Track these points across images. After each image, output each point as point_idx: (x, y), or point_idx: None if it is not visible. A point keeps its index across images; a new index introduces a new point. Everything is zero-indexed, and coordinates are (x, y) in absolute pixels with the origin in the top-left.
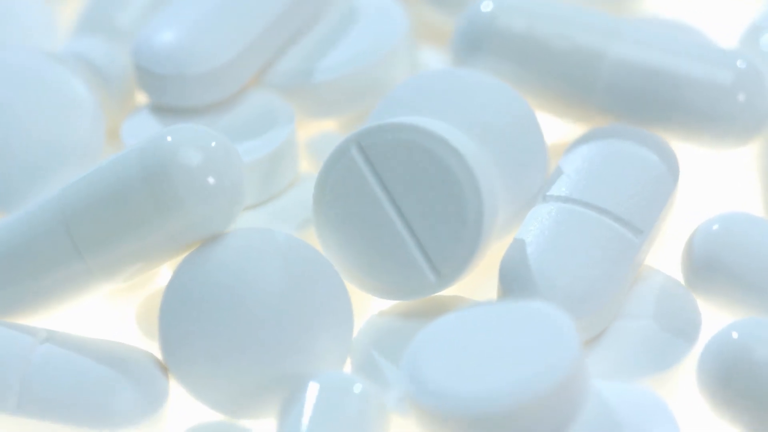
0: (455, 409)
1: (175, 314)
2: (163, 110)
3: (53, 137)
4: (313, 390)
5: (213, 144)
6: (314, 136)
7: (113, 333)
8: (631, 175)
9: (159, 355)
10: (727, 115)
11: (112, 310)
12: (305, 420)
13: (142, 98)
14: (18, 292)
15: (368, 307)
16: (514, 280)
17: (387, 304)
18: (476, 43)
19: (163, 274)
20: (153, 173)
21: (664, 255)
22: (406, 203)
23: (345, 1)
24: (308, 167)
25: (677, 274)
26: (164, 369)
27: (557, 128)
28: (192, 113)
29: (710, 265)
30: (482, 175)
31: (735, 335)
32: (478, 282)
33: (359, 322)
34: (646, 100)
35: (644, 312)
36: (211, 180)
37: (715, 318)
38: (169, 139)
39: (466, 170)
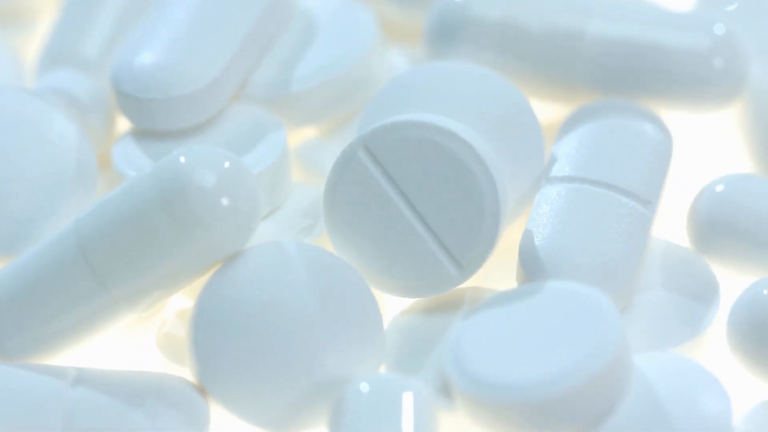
0: (507, 399)
1: (209, 336)
2: (150, 134)
3: (44, 175)
4: (364, 393)
5: (227, 164)
6: (299, 144)
7: (137, 362)
8: (630, 148)
9: (190, 378)
10: (706, 81)
11: (131, 338)
12: (364, 424)
13: (124, 123)
14: (42, 332)
15: (386, 308)
16: (536, 264)
17: (405, 302)
18: (451, 33)
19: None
20: (170, 196)
21: (665, 224)
22: (419, 200)
23: (311, 7)
24: (298, 176)
25: (680, 242)
26: (202, 392)
27: (543, 110)
28: (180, 134)
29: (717, 225)
30: (492, 164)
31: (766, 292)
32: (490, 270)
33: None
34: (628, 72)
35: (661, 283)
36: (226, 200)
37: (728, 280)
38: (182, 160)
39: (477, 160)
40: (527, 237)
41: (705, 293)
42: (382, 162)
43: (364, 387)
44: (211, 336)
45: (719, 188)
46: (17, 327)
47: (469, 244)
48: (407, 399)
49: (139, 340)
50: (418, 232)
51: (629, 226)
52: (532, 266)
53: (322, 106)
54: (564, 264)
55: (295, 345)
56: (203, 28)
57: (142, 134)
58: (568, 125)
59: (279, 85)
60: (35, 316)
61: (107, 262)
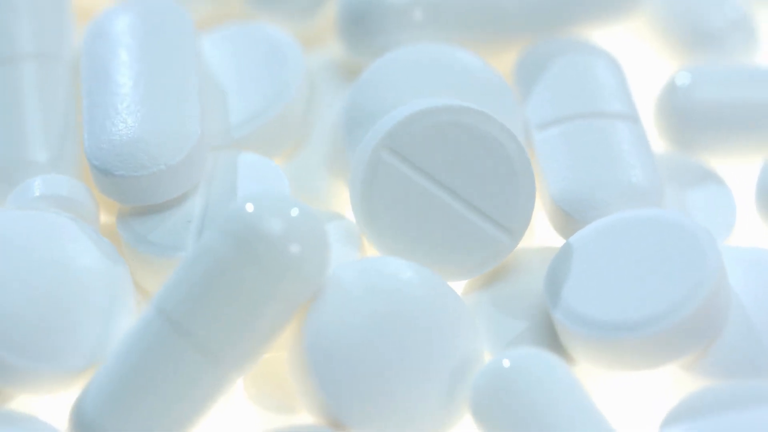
0: (619, 337)
1: (334, 368)
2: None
3: (91, 283)
4: (509, 368)
5: (295, 211)
6: None
7: (225, 411)
8: (593, 77)
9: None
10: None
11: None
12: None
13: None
14: (161, 425)
15: None
16: (573, 205)
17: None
18: (367, 22)
19: None
20: (249, 246)
21: None
22: (452, 181)
23: (234, 41)
24: None
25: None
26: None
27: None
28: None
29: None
30: (508, 126)
31: None
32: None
33: None
34: (551, 7)
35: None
36: (301, 234)
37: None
38: (250, 209)
39: (497, 126)
40: (555, 184)
41: (720, 199)
42: (407, 157)
43: (506, 362)
44: (337, 368)
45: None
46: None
47: (511, 208)
48: (552, 365)
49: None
50: (459, 211)
51: (635, 146)
52: (571, 208)
53: (265, 146)
54: (600, 196)
55: (425, 349)
56: (161, 87)
57: (138, 210)
58: (524, 72)
59: (221, 134)
60: (150, 411)
61: (207, 332)
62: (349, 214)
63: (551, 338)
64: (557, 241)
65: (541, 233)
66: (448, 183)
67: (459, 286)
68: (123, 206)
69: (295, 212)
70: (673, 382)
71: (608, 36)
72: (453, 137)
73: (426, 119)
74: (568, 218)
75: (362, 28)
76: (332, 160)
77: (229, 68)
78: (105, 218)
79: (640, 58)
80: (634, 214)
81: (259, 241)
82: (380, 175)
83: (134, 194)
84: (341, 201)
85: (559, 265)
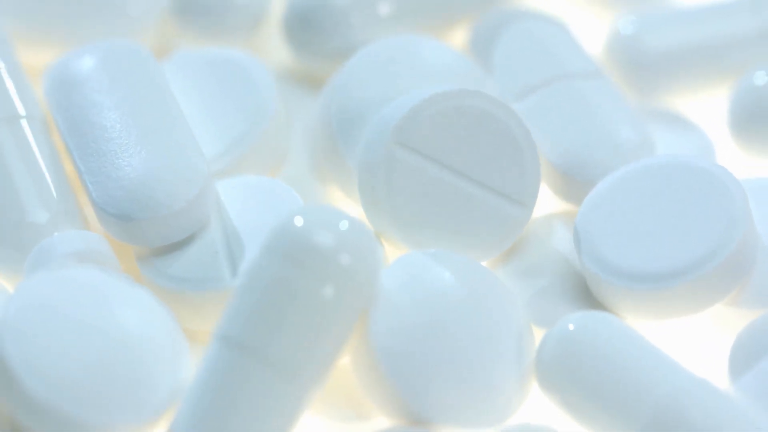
0: (651, 287)
1: (416, 373)
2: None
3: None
4: (574, 330)
5: (345, 224)
6: None
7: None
8: (547, 42)
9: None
10: None
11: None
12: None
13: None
14: None
15: None
16: (575, 167)
17: None
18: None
19: None
20: (306, 263)
21: None
22: (462, 164)
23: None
24: None
25: None
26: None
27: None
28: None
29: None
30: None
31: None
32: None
33: None
34: None
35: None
36: (352, 242)
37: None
38: (299, 223)
39: (497, 104)
40: (553, 152)
41: (693, 139)
42: (418, 148)
43: (571, 326)
44: (412, 366)
45: None
46: None
47: (520, 181)
48: (615, 322)
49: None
50: (473, 193)
51: (614, 101)
52: (577, 173)
53: (255, 165)
54: (602, 157)
55: (487, 332)
56: (151, 124)
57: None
58: (479, 49)
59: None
60: None
61: (280, 351)
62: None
63: (583, 298)
64: (553, 209)
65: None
66: (458, 167)
67: None
68: (140, 250)
69: (344, 224)
70: (716, 320)
71: None
72: (456, 121)
73: (429, 108)
74: (573, 181)
75: (312, 30)
76: (317, 166)
77: (197, 95)
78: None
79: (572, 15)
80: (652, 162)
81: (315, 254)
82: (397, 172)
83: (156, 235)
84: (340, 202)
85: (588, 220)
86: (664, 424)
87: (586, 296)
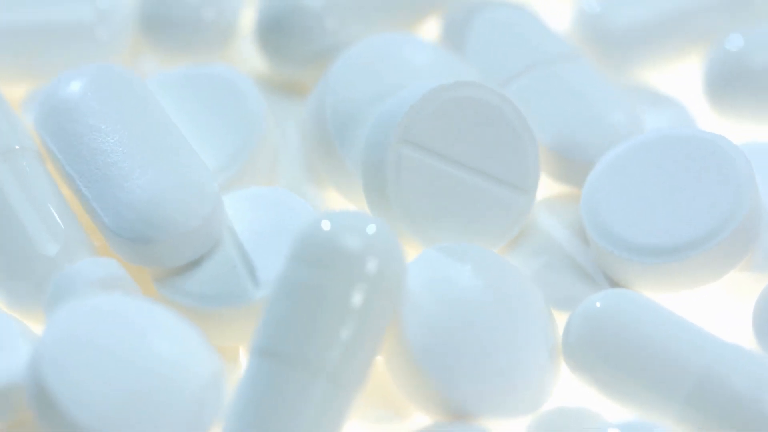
0: (658, 261)
1: (455, 369)
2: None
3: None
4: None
5: (372, 227)
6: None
7: None
8: (521, 24)
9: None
10: None
11: None
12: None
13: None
14: None
15: None
16: (572, 149)
17: None
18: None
19: None
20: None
21: None
22: (464, 155)
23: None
24: None
25: None
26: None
27: None
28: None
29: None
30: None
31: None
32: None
33: None
34: None
35: None
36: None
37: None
38: (326, 226)
39: (495, 94)
40: (547, 135)
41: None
42: (422, 144)
43: (599, 304)
44: (451, 362)
45: None
46: None
47: (520, 167)
48: (640, 298)
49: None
50: (477, 183)
51: (596, 81)
52: (574, 153)
53: (250, 178)
54: (597, 136)
55: (517, 320)
56: (154, 145)
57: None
58: (451, 41)
59: None
60: None
61: (321, 357)
62: None
63: (594, 276)
64: (548, 193)
65: None
66: (461, 158)
67: None
68: (155, 270)
69: (371, 226)
70: (730, 286)
71: None
72: (456, 113)
73: (429, 103)
74: (570, 163)
75: (286, 36)
76: (312, 171)
77: (184, 113)
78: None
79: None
80: (650, 136)
81: (347, 258)
82: (405, 170)
83: (174, 255)
84: (339, 205)
85: (594, 200)
86: (707, 393)
87: (597, 275)
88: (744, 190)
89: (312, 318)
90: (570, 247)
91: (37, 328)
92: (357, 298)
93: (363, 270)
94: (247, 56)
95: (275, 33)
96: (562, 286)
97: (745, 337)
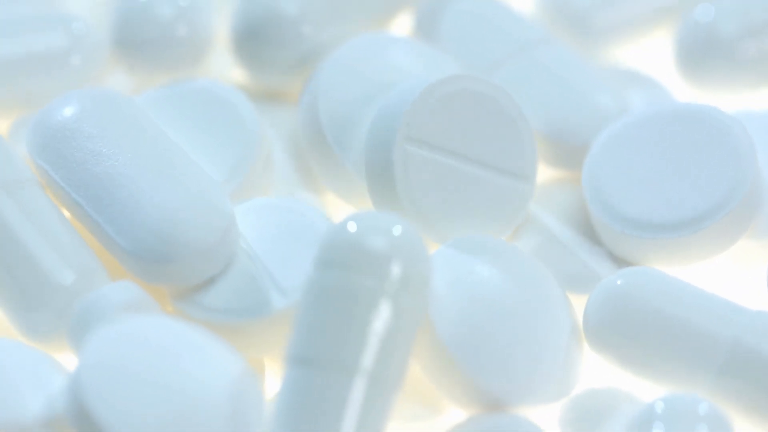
0: (660, 237)
1: (490, 362)
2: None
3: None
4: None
5: (398, 228)
6: None
7: None
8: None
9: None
10: None
11: None
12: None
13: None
14: None
15: None
16: (565, 133)
17: None
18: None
19: None
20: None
21: None
22: (465, 147)
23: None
24: None
25: None
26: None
27: None
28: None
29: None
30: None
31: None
32: None
33: None
34: None
35: None
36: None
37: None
38: (352, 228)
39: (489, 84)
40: (540, 121)
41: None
42: (425, 140)
43: (619, 282)
44: (486, 356)
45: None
46: None
47: (519, 155)
48: (661, 274)
49: None
50: (479, 174)
51: (575, 64)
52: (569, 137)
53: (250, 190)
54: (588, 118)
55: (541, 307)
56: (160, 165)
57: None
58: (425, 34)
59: None
60: None
61: (359, 360)
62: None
63: (601, 256)
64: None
65: None
66: (462, 151)
67: None
68: (173, 289)
69: (397, 228)
70: (737, 256)
71: None
72: (454, 107)
73: (429, 98)
74: (565, 147)
75: (263, 45)
76: (307, 177)
77: (178, 130)
78: None
79: None
80: (645, 112)
81: (377, 259)
82: (411, 167)
83: (194, 272)
84: (339, 208)
85: (597, 179)
86: (740, 362)
87: (600, 255)
88: (745, 159)
89: (347, 321)
90: (571, 230)
91: (59, 357)
92: (390, 297)
93: (393, 269)
94: (222, 68)
95: (252, 43)
96: (571, 268)
97: (758, 304)
